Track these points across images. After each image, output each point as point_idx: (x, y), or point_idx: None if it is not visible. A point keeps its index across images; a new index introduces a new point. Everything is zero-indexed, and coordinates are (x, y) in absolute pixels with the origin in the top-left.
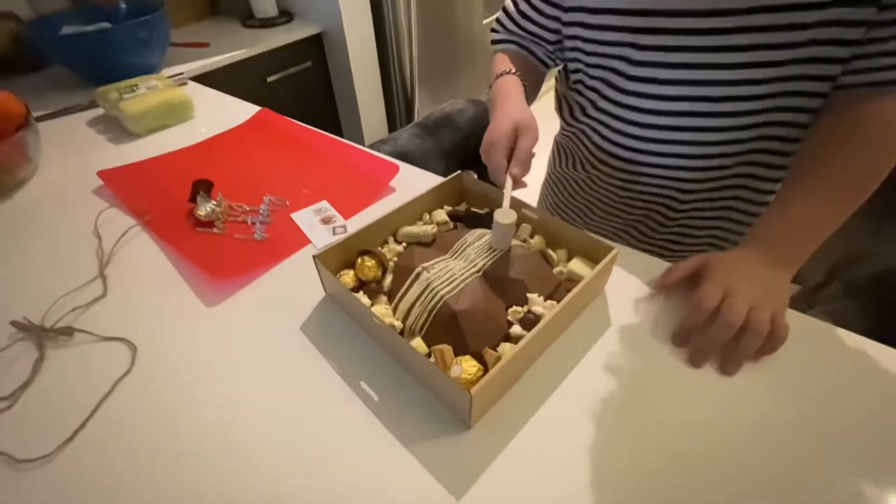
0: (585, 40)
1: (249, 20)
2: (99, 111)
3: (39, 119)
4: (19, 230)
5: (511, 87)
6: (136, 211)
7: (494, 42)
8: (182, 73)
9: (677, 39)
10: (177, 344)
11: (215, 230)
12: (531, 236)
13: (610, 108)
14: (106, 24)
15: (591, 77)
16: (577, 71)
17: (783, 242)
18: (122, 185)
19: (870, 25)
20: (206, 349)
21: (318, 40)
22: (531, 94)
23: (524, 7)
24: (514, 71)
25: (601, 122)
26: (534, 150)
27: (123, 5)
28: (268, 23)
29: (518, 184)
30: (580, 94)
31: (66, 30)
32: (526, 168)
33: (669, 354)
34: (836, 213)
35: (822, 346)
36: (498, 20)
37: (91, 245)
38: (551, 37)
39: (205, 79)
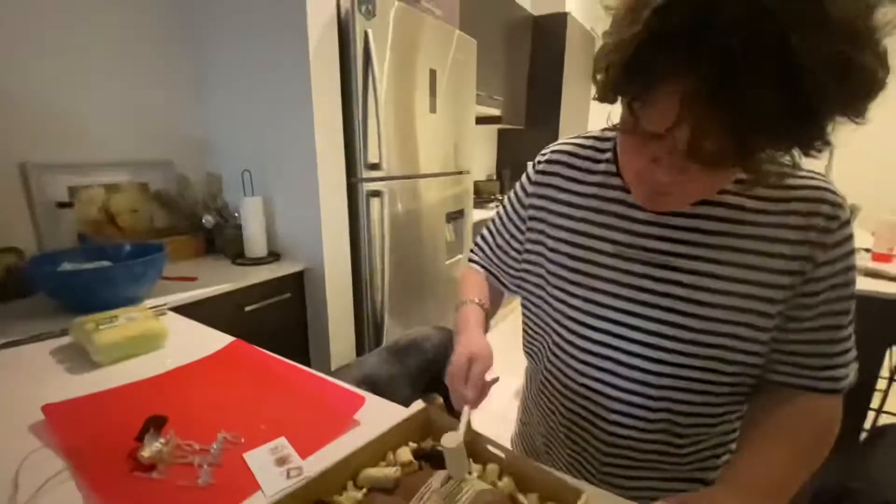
0: (534, 274)
1: (239, 259)
2: (67, 340)
3: (4, 346)
4: None
5: (472, 316)
6: (70, 452)
7: (470, 261)
8: (164, 304)
9: (602, 293)
10: None
11: (155, 474)
12: (500, 477)
13: (549, 331)
14: (106, 263)
15: (535, 303)
16: (526, 292)
17: (757, 493)
18: (64, 421)
19: (784, 330)
20: None
21: (300, 275)
22: (491, 312)
23: (499, 241)
24: (477, 300)
25: (543, 342)
26: (489, 377)
27: (128, 246)
28: (256, 262)
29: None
30: (529, 311)
31: (66, 266)
32: (479, 392)
33: None
34: (797, 476)
35: None
36: (476, 244)
37: (4, 496)
38: (515, 269)
39: (185, 308)
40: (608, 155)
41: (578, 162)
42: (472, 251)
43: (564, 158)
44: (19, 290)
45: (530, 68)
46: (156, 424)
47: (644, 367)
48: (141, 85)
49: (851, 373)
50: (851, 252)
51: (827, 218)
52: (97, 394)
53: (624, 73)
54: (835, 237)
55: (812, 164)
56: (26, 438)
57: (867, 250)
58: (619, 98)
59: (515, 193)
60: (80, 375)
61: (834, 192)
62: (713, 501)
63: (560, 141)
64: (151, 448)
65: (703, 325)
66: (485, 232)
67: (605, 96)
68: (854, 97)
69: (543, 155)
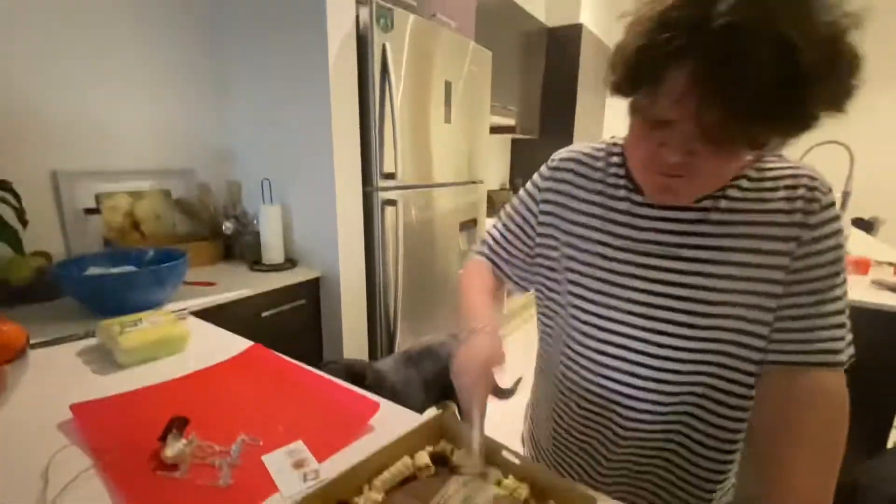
0: (545, 274)
1: (257, 265)
2: (93, 341)
3: (33, 347)
4: None
5: (483, 309)
6: (97, 450)
7: (478, 253)
8: (185, 308)
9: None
10: None
11: (177, 474)
12: (520, 482)
13: (562, 331)
14: (130, 268)
15: (548, 304)
16: (539, 291)
17: None
18: (91, 420)
19: (783, 307)
20: None
21: (315, 282)
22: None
23: (510, 238)
24: (487, 297)
25: (557, 342)
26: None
27: (151, 252)
28: (273, 268)
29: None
30: (544, 316)
31: (93, 270)
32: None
33: None
34: (831, 472)
35: None
36: (484, 241)
37: (35, 490)
38: (522, 268)
39: (205, 313)
40: (616, 159)
41: (589, 162)
42: (479, 248)
43: (577, 157)
44: (48, 292)
45: (544, 79)
46: (178, 425)
47: (662, 354)
48: (164, 95)
49: (847, 348)
50: (837, 232)
51: (806, 200)
52: (122, 395)
53: (636, 64)
54: (818, 217)
55: (833, 176)
56: (55, 436)
57: (891, 264)
58: (631, 90)
59: (527, 192)
60: (106, 376)
61: (812, 177)
62: None
63: (573, 145)
64: (174, 448)
65: (717, 311)
66: (493, 230)
67: (620, 88)
68: (840, 77)
69: (558, 154)
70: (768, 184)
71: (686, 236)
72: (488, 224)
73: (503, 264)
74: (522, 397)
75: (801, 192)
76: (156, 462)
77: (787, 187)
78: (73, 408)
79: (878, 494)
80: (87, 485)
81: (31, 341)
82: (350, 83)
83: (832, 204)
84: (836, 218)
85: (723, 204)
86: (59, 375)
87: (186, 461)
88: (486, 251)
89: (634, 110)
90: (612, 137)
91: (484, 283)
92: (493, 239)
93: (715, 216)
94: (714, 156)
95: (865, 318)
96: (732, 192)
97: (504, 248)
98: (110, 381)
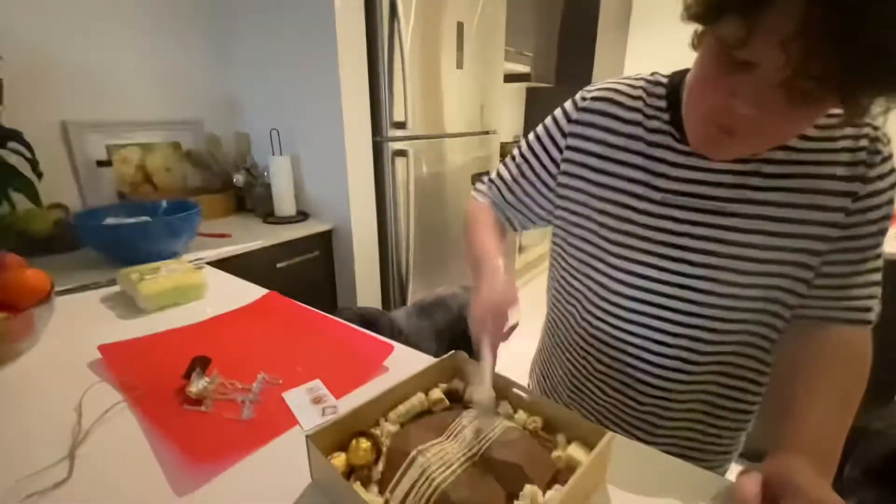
0: (569, 222)
1: (270, 218)
2: (115, 289)
3: (59, 294)
4: None
5: (493, 248)
6: (125, 386)
7: (482, 195)
8: (201, 259)
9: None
10: None
11: (203, 408)
12: (529, 417)
13: (588, 283)
14: (146, 218)
15: (572, 246)
16: (561, 239)
17: (820, 453)
18: (118, 359)
19: (826, 263)
20: None
21: (328, 234)
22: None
23: (522, 182)
24: (495, 241)
25: (579, 294)
26: (513, 321)
27: (164, 203)
28: (285, 220)
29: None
30: (560, 267)
31: (110, 221)
32: (501, 339)
33: None
34: (845, 422)
35: None
36: (491, 180)
37: (69, 422)
38: (536, 213)
39: (220, 264)
40: (659, 102)
41: (625, 101)
42: (481, 184)
43: (610, 96)
44: (68, 243)
45: (562, 23)
46: (201, 364)
47: (695, 311)
48: (168, 44)
49: (877, 307)
50: (891, 187)
51: (869, 152)
52: (146, 337)
53: None
54: (875, 171)
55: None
56: (85, 374)
57: None
58: (716, 18)
59: (548, 134)
60: (129, 320)
61: (874, 126)
62: (804, 470)
63: (606, 80)
64: (198, 385)
65: (761, 269)
66: (503, 170)
67: (706, 13)
68: None
69: (587, 92)
70: (828, 132)
71: (735, 189)
72: None
73: (511, 212)
74: (528, 352)
75: (863, 142)
76: (181, 397)
77: (849, 137)
78: (101, 348)
79: (887, 439)
80: (118, 417)
81: (57, 289)
82: (357, 25)
83: (891, 156)
84: (893, 171)
85: (778, 155)
86: (85, 319)
87: (210, 397)
88: (494, 195)
89: (711, 44)
90: (654, 74)
91: (491, 227)
92: (503, 182)
93: (768, 168)
94: (789, 112)
95: (889, 270)
96: (790, 142)
97: (515, 196)
98: (133, 325)
